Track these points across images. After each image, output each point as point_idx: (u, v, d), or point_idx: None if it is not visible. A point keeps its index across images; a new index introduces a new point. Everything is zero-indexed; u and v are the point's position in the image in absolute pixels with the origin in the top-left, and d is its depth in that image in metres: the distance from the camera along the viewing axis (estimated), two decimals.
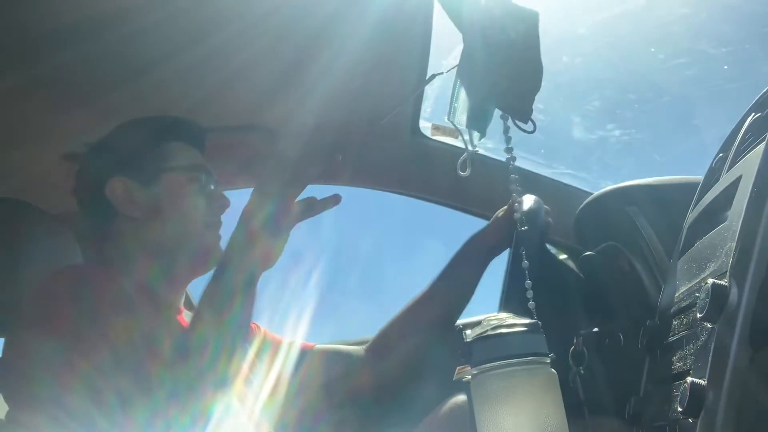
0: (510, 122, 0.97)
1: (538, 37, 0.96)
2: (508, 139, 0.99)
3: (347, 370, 1.27)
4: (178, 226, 1.11)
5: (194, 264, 1.13)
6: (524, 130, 0.97)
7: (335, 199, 0.95)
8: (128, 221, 1.11)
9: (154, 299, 1.10)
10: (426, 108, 1.61)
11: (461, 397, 1.06)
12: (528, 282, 0.97)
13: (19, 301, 1.15)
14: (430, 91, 1.57)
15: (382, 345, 1.30)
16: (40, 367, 0.90)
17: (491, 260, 1.31)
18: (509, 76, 0.94)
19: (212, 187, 1.17)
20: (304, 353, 1.28)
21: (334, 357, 1.29)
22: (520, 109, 0.95)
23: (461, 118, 1.01)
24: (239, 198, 1.25)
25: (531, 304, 0.95)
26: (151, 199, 1.11)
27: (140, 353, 0.91)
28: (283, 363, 1.26)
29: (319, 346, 1.30)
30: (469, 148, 1.05)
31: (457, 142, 1.66)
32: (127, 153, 1.14)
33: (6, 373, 0.98)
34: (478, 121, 0.99)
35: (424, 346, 1.26)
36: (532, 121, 0.97)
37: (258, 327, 1.28)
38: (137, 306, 1.01)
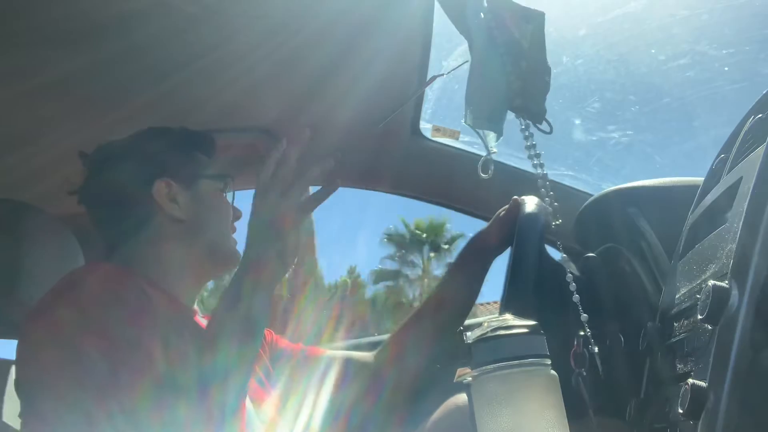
0: (528, 124, 0.97)
1: (544, 37, 0.96)
2: (529, 136, 0.99)
3: (355, 378, 1.27)
4: (214, 229, 1.18)
5: (218, 265, 1.20)
6: (542, 131, 0.98)
7: (334, 186, 0.96)
8: (169, 220, 1.15)
9: (174, 301, 1.12)
10: (426, 109, 1.61)
11: (461, 397, 1.06)
12: (573, 288, 0.98)
13: (24, 301, 1.15)
14: (431, 92, 1.57)
15: (390, 352, 1.30)
16: (65, 370, 0.88)
17: (493, 260, 1.31)
18: (521, 77, 0.94)
19: (233, 198, 1.24)
20: (314, 359, 1.29)
21: (343, 364, 1.29)
22: (534, 110, 0.96)
23: (478, 121, 1.02)
24: (240, 201, 1.26)
25: (584, 317, 0.97)
26: (191, 201, 1.17)
27: (164, 354, 0.92)
28: (299, 371, 1.27)
29: (328, 352, 1.30)
30: (490, 149, 1.06)
31: (458, 143, 1.66)
32: (169, 156, 1.19)
33: (26, 376, 0.96)
34: (495, 122, 1.00)
35: (432, 351, 1.25)
36: (548, 122, 0.98)
37: (270, 332, 1.29)
38: (160, 308, 1.02)
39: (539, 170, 1.02)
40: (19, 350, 0.97)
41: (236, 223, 1.24)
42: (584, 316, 1.01)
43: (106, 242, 1.18)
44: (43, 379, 0.91)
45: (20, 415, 0.96)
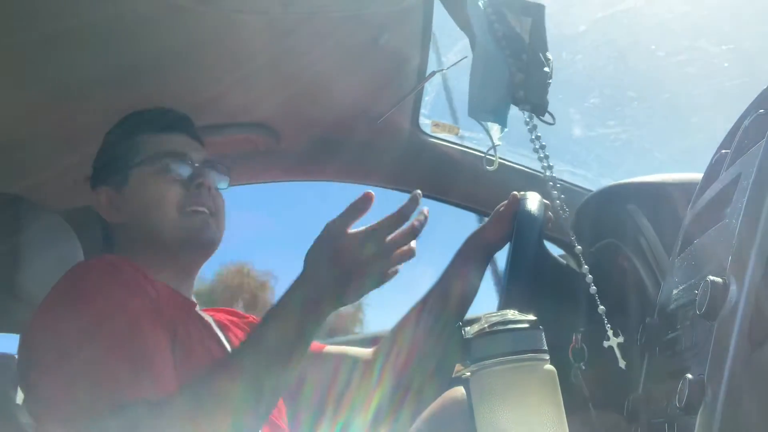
0: (529, 116, 0.97)
1: (545, 29, 0.96)
2: (533, 129, 0.99)
3: (355, 374, 1.27)
4: (153, 219, 1.08)
5: (182, 253, 1.10)
6: (546, 122, 0.98)
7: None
8: (118, 228, 1.12)
9: (174, 292, 1.09)
10: (426, 104, 1.61)
11: (458, 390, 1.06)
12: (590, 280, 0.97)
13: (24, 296, 1.16)
14: (431, 87, 1.57)
15: (388, 349, 1.30)
16: (70, 362, 0.88)
17: (492, 257, 1.31)
18: (523, 69, 0.94)
19: (190, 171, 1.12)
20: (314, 355, 1.28)
21: (342, 359, 1.29)
22: (537, 103, 0.96)
23: (482, 114, 1.02)
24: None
25: (601, 308, 0.97)
26: (126, 200, 1.11)
27: (172, 345, 0.94)
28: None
29: (328, 347, 1.30)
30: (495, 142, 1.06)
31: (458, 138, 1.66)
32: (105, 160, 1.15)
33: (29, 369, 0.96)
34: (499, 115, 1.00)
35: (431, 347, 1.25)
36: (550, 114, 0.97)
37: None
38: (164, 297, 1.01)
39: (544, 162, 1.02)
40: (25, 340, 0.97)
41: None
42: (602, 308, 1.01)
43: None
44: (49, 370, 0.90)
45: (25, 407, 0.97)
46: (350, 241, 0.90)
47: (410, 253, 0.94)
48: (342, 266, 0.90)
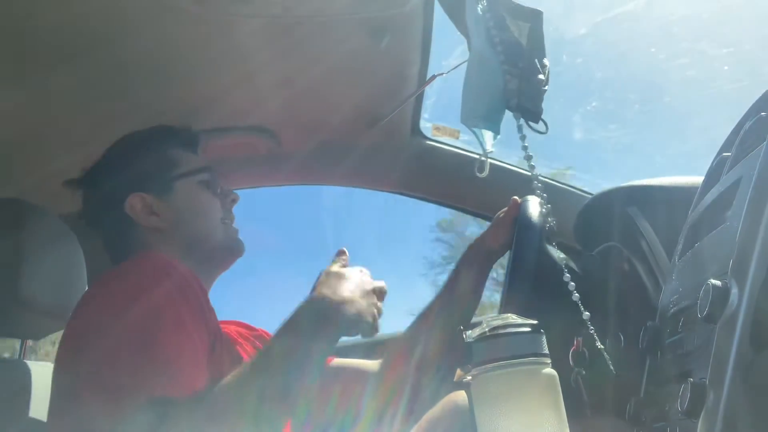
0: (522, 123, 0.97)
1: (543, 36, 0.96)
2: (523, 138, 0.99)
3: (360, 386, 1.27)
4: (200, 228, 1.17)
5: (219, 260, 1.19)
6: (537, 131, 0.98)
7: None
8: (152, 232, 1.14)
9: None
10: (427, 108, 1.61)
11: (458, 395, 1.06)
12: (572, 287, 0.99)
13: (25, 300, 1.15)
14: (431, 91, 1.57)
15: (394, 362, 1.29)
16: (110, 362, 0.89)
17: (494, 263, 1.31)
18: (518, 76, 0.94)
19: (219, 185, 1.22)
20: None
21: (350, 373, 1.28)
22: (530, 110, 0.96)
23: (474, 120, 1.02)
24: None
25: (586, 315, 0.99)
26: (170, 208, 1.16)
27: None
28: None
29: (336, 360, 1.30)
30: (487, 149, 1.06)
31: (458, 142, 1.66)
32: (137, 167, 1.17)
33: (68, 354, 0.97)
34: (492, 122, 1.00)
35: (435, 356, 1.25)
36: (544, 122, 0.97)
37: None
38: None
39: (533, 172, 1.02)
40: (71, 326, 0.99)
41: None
42: (586, 314, 1.02)
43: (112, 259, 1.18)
44: (87, 359, 0.91)
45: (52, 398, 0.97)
46: (354, 272, 0.99)
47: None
48: (349, 290, 0.96)
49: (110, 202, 1.15)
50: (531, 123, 0.97)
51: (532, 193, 1.11)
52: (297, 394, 0.91)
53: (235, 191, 1.26)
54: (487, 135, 1.06)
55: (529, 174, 1.04)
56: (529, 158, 1.01)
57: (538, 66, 0.97)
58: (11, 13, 1.07)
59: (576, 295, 1.01)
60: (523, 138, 0.99)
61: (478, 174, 1.11)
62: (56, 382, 0.98)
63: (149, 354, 0.88)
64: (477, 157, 1.13)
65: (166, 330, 0.91)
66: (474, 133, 1.05)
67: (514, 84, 0.95)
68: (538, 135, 1.02)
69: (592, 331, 1.02)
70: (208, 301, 1.06)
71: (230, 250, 1.20)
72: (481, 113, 1.00)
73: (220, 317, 1.24)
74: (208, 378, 0.92)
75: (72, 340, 0.98)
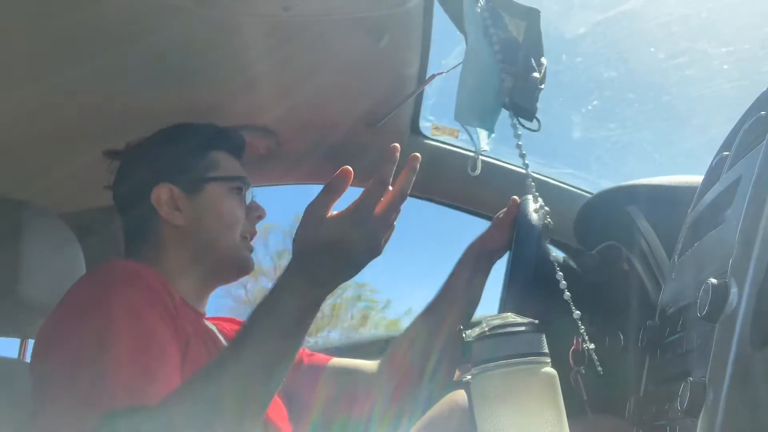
0: (515, 121, 0.97)
1: (540, 35, 0.96)
2: (517, 136, 0.99)
3: (359, 387, 1.26)
4: (218, 236, 1.14)
5: (226, 273, 1.17)
6: (530, 129, 0.98)
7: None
8: (170, 227, 1.13)
9: (183, 303, 1.09)
10: (426, 108, 1.61)
11: (458, 394, 1.06)
12: (564, 286, 0.98)
13: (24, 299, 1.16)
14: (431, 91, 1.57)
15: (394, 363, 1.29)
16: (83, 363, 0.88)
17: (494, 264, 1.30)
18: (514, 74, 0.94)
19: (250, 197, 1.20)
20: (320, 368, 1.28)
21: (348, 374, 1.28)
22: (525, 108, 0.96)
23: (468, 118, 1.02)
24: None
25: (577, 314, 0.99)
26: (194, 207, 1.14)
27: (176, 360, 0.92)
28: (304, 380, 1.24)
29: (334, 360, 1.29)
30: (482, 147, 1.06)
31: (458, 142, 1.66)
32: (174, 159, 1.16)
33: (40, 363, 0.96)
34: (486, 120, 1.00)
35: (434, 357, 1.24)
36: (537, 120, 0.97)
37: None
38: (179, 310, 1.00)
39: (526, 170, 1.03)
40: (40, 339, 0.98)
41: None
42: (577, 314, 1.02)
43: (124, 244, 1.17)
44: (58, 368, 0.90)
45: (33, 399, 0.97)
46: (337, 227, 0.85)
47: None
48: (332, 253, 0.85)
49: (140, 184, 1.14)
50: (524, 121, 0.97)
51: (530, 192, 1.11)
52: (279, 374, 0.87)
53: None
54: (482, 133, 1.06)
55: (536, 172, 1.04)
56: (523, 156, 1.01)
57: (534, 64, 0.97)
58: (12, 14, 1.07)
59: (567, 294, 1.01)
60: (517, 136, 0.99)
61: (470, 173, 1.10)
62: (34, 392, 0.97)
63: (107, 363, 0.86)
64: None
65: (126, 336, 0.88)
66: (467, 131, 1.05)
67: (510, 82, 0.95)
68: (538, 134, 1.02)
69: (582, 330, 1.02)
70: (182, 305, 1.03)
71: (238, 266, 1.17)
72: (476, 111, 1.00)
73: (216, 315, 1.24)
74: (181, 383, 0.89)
75: (37, 345, 0.98)
